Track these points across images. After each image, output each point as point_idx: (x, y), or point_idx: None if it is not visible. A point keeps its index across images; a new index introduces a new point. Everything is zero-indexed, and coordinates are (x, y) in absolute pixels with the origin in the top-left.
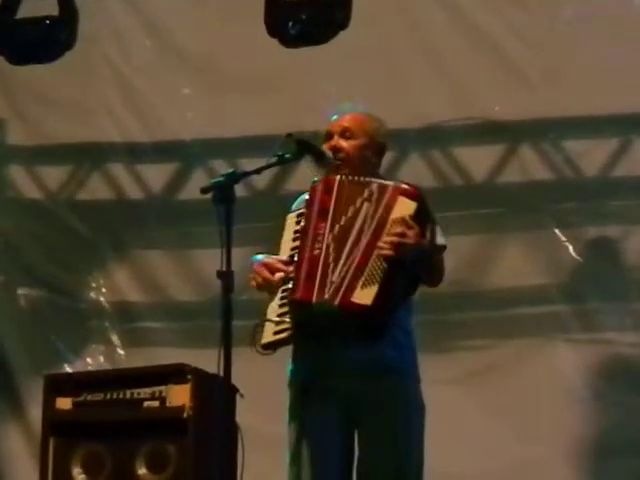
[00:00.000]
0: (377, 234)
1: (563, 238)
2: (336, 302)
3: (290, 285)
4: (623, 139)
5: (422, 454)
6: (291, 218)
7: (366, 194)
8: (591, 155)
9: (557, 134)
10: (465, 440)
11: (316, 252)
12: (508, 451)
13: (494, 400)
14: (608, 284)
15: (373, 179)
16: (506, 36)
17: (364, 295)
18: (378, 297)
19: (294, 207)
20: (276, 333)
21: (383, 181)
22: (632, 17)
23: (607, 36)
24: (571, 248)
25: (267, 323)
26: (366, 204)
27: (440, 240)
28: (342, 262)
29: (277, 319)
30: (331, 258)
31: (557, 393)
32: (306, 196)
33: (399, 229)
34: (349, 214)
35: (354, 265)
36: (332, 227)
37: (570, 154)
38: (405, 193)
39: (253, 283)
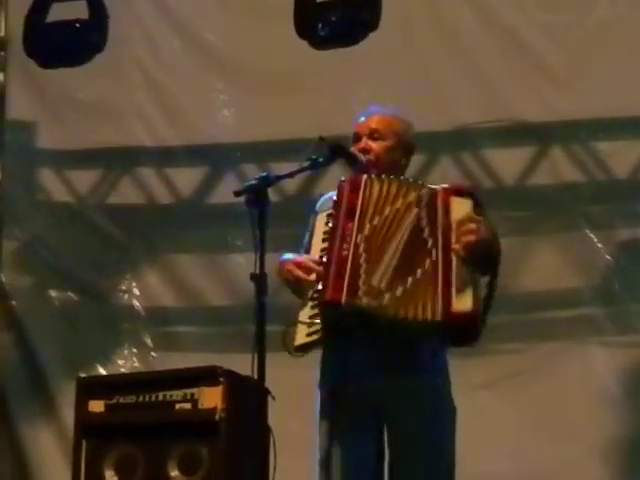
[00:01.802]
0: (447, 238)
1: (595, 240)
2: (438, 318)
3: (320, 287)
4: None
5: (454, 455)
6: (320, 219)
7: (411, 196)
8: (622, 156)
9: (587, 135)
10: (498, 441)
11: (344, 253)
12: (541, 451)
13: (528, 402)
14: None
15: (408, 179)
16: (536, 37)
17: (462, 302)
18: (475, 302)
19: (319, 206)
20: (309, 335)
21: (425, 185)
22: None
23: (636, 36)
24: (603, 250)
25: (299, 325)
26: (414, 209)
27: None
28: (385, 264)
29: (309, 321)
30: (363, 259)
31: (591, 395)
32: (333, 196)
33: (470, 226)
34: (386, 214)
35: (439, 276)
36: (361, 227)
37: (601, 155)
38: (456, 192)
39: (288, 279)
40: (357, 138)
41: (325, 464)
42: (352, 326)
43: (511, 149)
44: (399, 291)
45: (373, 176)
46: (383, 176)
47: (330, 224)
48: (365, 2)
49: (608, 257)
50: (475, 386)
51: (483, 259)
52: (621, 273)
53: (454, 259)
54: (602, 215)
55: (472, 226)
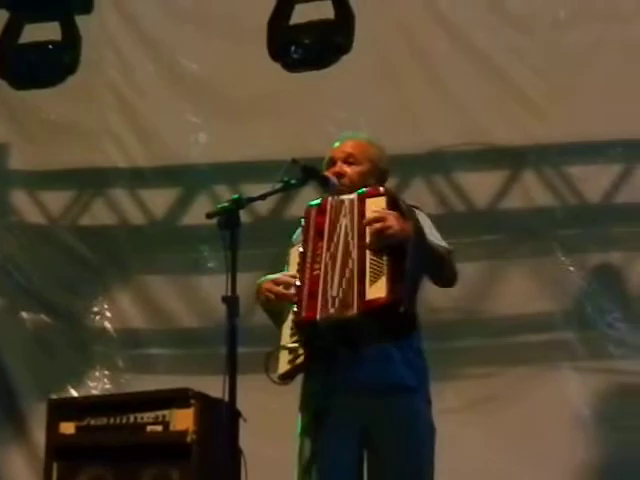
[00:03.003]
0: (362, 237)
1: (568, 263)
2: (354, 311)
3: (295, 309)
4: (626, 165)
5: (432, 473)
6: (294, 252)
7: (344, 211)
8: (594, 180)
9: (560, 159)
10: (471, 465)
11: (315, 272)
12: (514, 476)
13: (500, 426)
14: (614, 310)
15: (346, 196)
16: (509, 61)
17: (375, 290)
18: (391, 288)
19: (294, 238)
20: (290, 362)
21: (350, 195)
22: (635, 43)
23: (610, 62)
24: (576, 274)
25: (281, 352)
26: (345, 219)
27: (442, 243)
28: (338, 276)
29: (290, 346)
30: (329, 275)
31: (563, 420)
32: (303, 220)
33: (375, 217)
34: (338, 231)
35: (355, 272)
36: (328, 246)
37: (573, 179)
38: (369, 194)
39: (269, 297)
40: (332, 162)
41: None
42: (328, 343)
43: (483, 173)
44: (340, 296)
45: (329, 198)
46: (335, 197)
47: (301, 249)
48: (338, 25)
49: (581, 281)
50: (447, 410)
51: (407, 248)
52: (594, 297)
53: (367, 253)
54: (574, 239)
55: (377, 216)
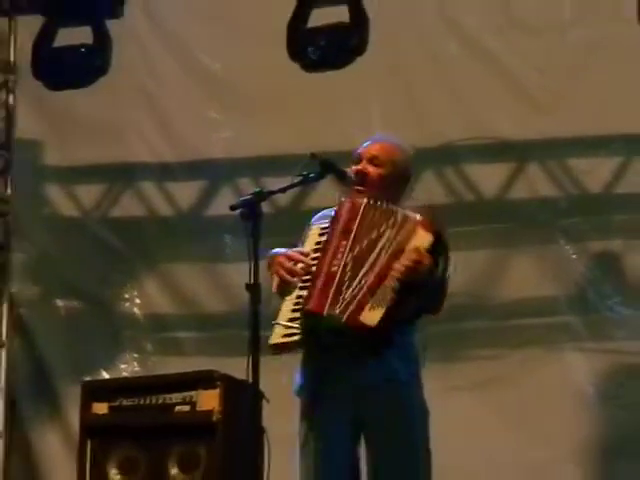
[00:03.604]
0: (392, 259)
1: (570, 251)
2: (344, 318)
3: (304, 293)
4: (625, 158)
5: (429, 455)
6: (315, 229)
7: (391, 222)
8: (595, 172)
9: (563, 153)
10: (478, 442)
11: (334, 268)
12: (519, 452)
13: (506, 405)
14: (614, 295)
15: (398, 208)
16: (515, 61)
17: (370, 316)
18: (383, 320)
19: (315, 220)
20: (284, 336)
21: (407, 212)
22: (634, 42)
23: (610, 60)
24: (578, 261)
25: (277, 325)
26: (389, 231)
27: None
28: (357, 281)
29: (287, 323)
30: (347, 276)
31: (567, 398)
32: (332, 212)
33: (413, 256)
34: (372, 237)
35: (367, 285)
36: (353, 247)
37: (575, 172)
38: (424, 226)
39: (277, 275)
40: (358, 160)
41: (307, 460)
42: (329, 338)
43: (491, 165)
44: (348, 301)
45: (371, 202)
46: (378, 202)
47: (324, 237)
48: (353, 28)
49: (583, 267)
50: (457, 389)
51: (414, 290)
52: (595, 283)
53: (387, 278)
54: (577, 228)
55: (414, 257)
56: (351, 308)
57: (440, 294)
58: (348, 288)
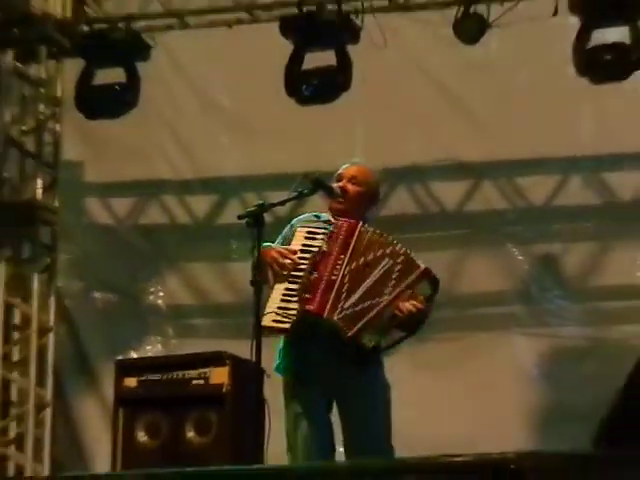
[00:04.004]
0: (399, 296)
1: (517, 253)
2: (349, 333)
3: (296, 286)
4: (562, 176)
5: (390, 422)
6: (301, 232)
7: (389, 250)
8: (538, 188)
9: (511, 172)
10: (440, 410)
11: (333, 277)
12: (475, 417)
13: (465, 379)
14: (553, 289)
15: (393, 242)
16: (472, 98)
17: (370, 340)
18: (378, 342)
19: (298, 223)
20: (274, 322)
21: (409, 254)
22: (564, 84)
23: (551, 98)
24: (523, 261)
25: (268, 307)
26: (387, 259)
27: None
28: (357, 296)
29: (279, 311)
30: (345, 287)
31: (514, 374)
32: (312, 216)
33: (419, 305)
34: (368, 258)
35: (374, 310)
36: (350, 262)
37: (521, 187)
38: (429, 278)
39: (271, 268)
40: (340, 178)
41: (293, 430)
42: (315, 330)
43: (452, 182)
44: (349, 313)
45: (366, 227)
46: (371, 229)
47: (311, 240)
48: (339, 70)
49: (527, 267)
50: (424, 366)
51: (407, 326)
52: (537, 279)
53: (392, 310)
54: (522, 234)
55: (421, 306)
56: (358, 326)
57: (421, 326)
58: (347, 299)
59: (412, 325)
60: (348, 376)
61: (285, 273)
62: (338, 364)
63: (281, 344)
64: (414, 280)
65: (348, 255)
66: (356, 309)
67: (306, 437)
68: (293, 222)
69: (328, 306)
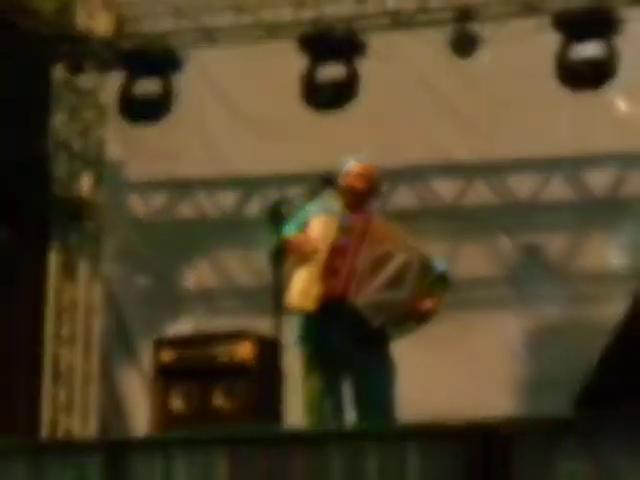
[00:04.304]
0: (419, 293)
1: (507, 243)
2: (375, 324)
3: (317, 270)
4: (547, 174)
5: (394, 393)
6: (317, 220)
7: (402, 244)
8: (524, 185)
9: (501, 171)
10: (436, 382)
11: (355, 265)
12: (466, 388)
13: (459, 354)
14: (538, 274)
15: (403, 235)
16: (467, 107)
17: (390, 329)
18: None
19: (312, 209)
20: (300, 301)
21: (422, 252)
22: (547, 92)
23: (536, 105)
24: (512, 250)
25: (294, 289)
26: (406, 256)
27: None
28: (378, 284)
29: (303, 292)
30: (367, 273)
31: (503, 349)
32: (325, 205)
33: (435, 304)
34: (386, 249)
35: (397, 303)
36: (369, 251)
37: (510, 185)
38: (445, 279)
39: (299, 250)
40: (347, 175)
41: (312, 399)
42: (335, 309)
43: (448, 181)
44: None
45: (378, 218)
46: (383, 221)
47: (330, 231)
48: (348, 81)
49: (515, 255)
50: (421, 344)
51: (422, 320)
52: (524, 266)
53: (414, 304)
54: (511, 226)
55: (436, 305)
56: (383, 317)
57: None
58: (369, 287)
59: (426, 320)
60: (362, 355)
61: (307, 259)
62: (354, 344)
63: (301, 321)
64: (433, 281)
65: (366, 244)
66: (379, 298)
67: (324, 405)
68: (308, 208)
69: (352, 292)
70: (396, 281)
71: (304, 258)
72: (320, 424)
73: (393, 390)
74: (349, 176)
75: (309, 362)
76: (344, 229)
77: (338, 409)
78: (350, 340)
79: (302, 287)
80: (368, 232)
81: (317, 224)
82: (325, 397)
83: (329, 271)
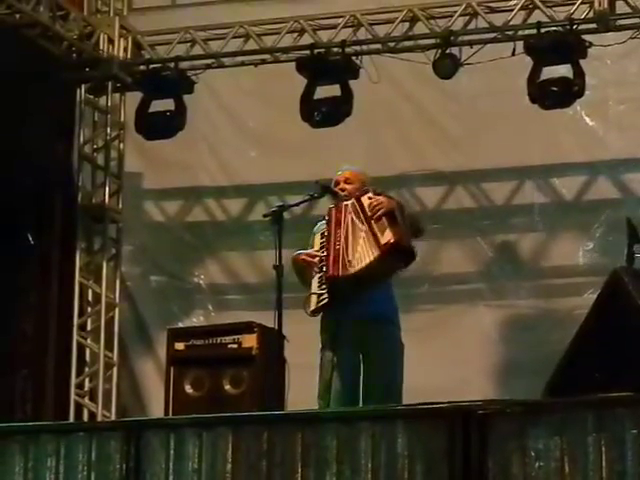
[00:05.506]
0: (366, 218)
1: (482, 243)
2: (376, 253)
3: (324, 269)
4: (518, 181)
5: (402, 376)
6: (318, 236)
7: (349, 209)
8: (499, 191)
9: (478, 179)
10: (420, 368)
11: (337, 247)
12: (448, 374)
13: (439, 343)
14: (510, 270)
15: (349, 201)
16: (449, 121)
17: (384, 237)
18: (395, 232)
19: (315, 230)
20: (318, 302)
21: (349, 200)
22: (522, 108)
23: (510, 120)
24: (487, 249)
25: (312, 296)
26: (350, 214)
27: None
28: (351, 247)
29: (319, 292)
30: (347, 248)
31: (479, 339)
32: (326, 217)
33: (374, 203)
34: (347, 221)
35: (369, 236)
36: (346, 233)
37: (487, 191)
38: (360, 195)
39: (307, 262)
40: (337, 182)
41: (329, 379)
42: (345, 291)
43: (431, 188)
44: (355, 259)
45: (347, 203)
46: (350, 203)
47: (326, 234)
48: (343, 99)
49: (490, 254)
50: (411, 330)
51: (392, 212)
52: (498, 262)
53: (372, 222)
54: (487, 227)
55: (375, 202)
56: (372, 245)
57: (422, 225)
58: (348, 254)
59: (392, 210)
60: (373, 336)
61: (315, 268)
62: (365, 326)
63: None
64: (360, 203)
65: (342, 228)
66: (358, 252)
67: (340, 383)
68: (314, 229)
69: (340, 267)
70: (354, 237)
71: (313, 268)
72: (334, 404)
73: (401, 368)
74: (338, 183)
75: (326, 345)
76: (327, 222)
77: (352, 389)
78: (361, 323)
79: (316, 291)
80: (341, 217)
81: (318, 239)
82: (338, 377)
83: (326, 263)
